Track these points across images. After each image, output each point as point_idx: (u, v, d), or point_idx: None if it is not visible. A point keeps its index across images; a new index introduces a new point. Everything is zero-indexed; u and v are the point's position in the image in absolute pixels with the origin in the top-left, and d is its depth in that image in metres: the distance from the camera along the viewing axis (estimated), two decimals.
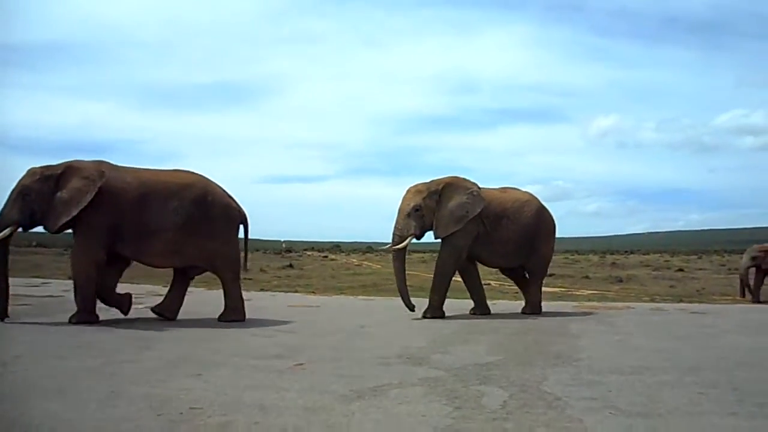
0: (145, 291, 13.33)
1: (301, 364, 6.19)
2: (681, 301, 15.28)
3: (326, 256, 52.17)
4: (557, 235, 12.02)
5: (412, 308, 10.47)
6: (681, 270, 32.31)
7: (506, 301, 14.73)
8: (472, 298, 11.23)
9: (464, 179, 10.94)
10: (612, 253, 75.05)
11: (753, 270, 16.60)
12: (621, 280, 23.16)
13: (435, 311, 10.49)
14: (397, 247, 10.50)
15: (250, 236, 10.21)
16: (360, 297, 15.37)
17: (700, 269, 35.60)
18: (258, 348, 7.19)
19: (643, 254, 76.97)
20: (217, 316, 9.67)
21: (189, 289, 12.73)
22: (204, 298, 12.92)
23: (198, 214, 9.05)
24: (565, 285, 22.25)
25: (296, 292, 16.41)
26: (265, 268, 27.26)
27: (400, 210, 10.61)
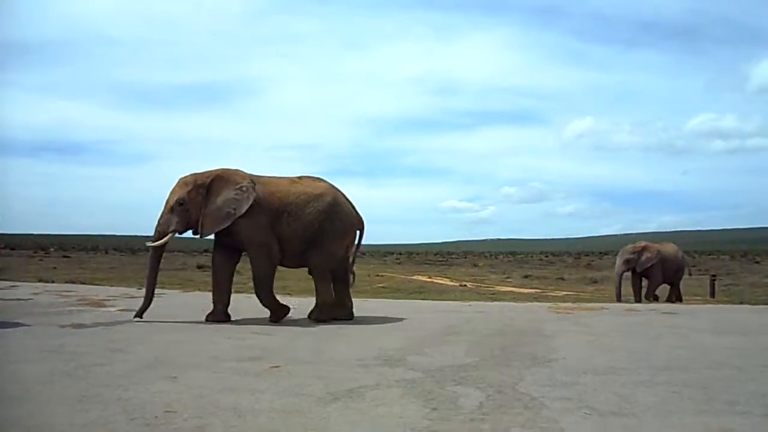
0: (120, 293, 13.18)
1: (277, 367, 6.14)
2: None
3: None
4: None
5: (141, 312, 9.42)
6: None
7: (482, 302, 14.80)
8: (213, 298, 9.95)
9: (236, 172, 9.90)
10: (587, 255, 75.97)
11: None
12: (596, 281, 23.51)
13: (276, 314, 9.86)
14: (155, 244, 9.56)
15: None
16: None
17: None
18: (234, 350, 7.12)
19: (617, 255, 77.85)
20: (193, 319, 9.59)
21: (164, 291, 12.59)
22: (180, 301, 12.78)
23: None
24: (540, 286, 22.48)
25: None
26: (240, 269, 27.05)
27: (165, 203, 9.64)
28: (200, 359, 6.51)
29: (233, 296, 10.15)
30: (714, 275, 19.30)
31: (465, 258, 72.11)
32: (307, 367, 6.17)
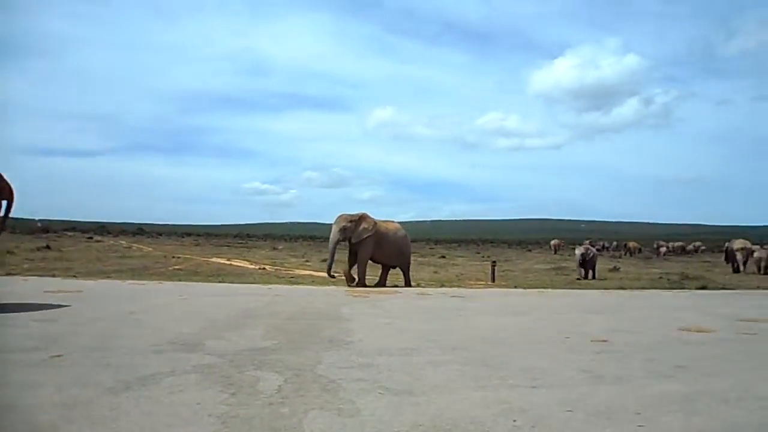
0: None
1: (60, 356, 5.66)
2: (443, 285, 16.62)
3: (91, 237, 48.27)
4: None
5: None
6: (443, 257, 35.25)
7: (281, 286, 14.85)
8: None
9: None
10: None
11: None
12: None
13: None
14: None
15: None
16: (129, 281, 14.45)
17: (460, 256, 39.15)
18: (8, 339, 6.44)
19: (411, 241, 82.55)
20: None
21: None
22: None
23: None
24: (338, 270, 23.00)
25: (54, 276, 14.91)
26: (15, 249, 24.34)
27: None
28: None
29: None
30: (494, 262, 21.04)
31: (265, 241, 71.67)
32: (94, 355, 5.76)
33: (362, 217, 15.62)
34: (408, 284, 16.28)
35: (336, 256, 15.79)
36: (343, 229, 15.32)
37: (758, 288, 17.69)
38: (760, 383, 5.38)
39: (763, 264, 24.45)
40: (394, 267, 16.51)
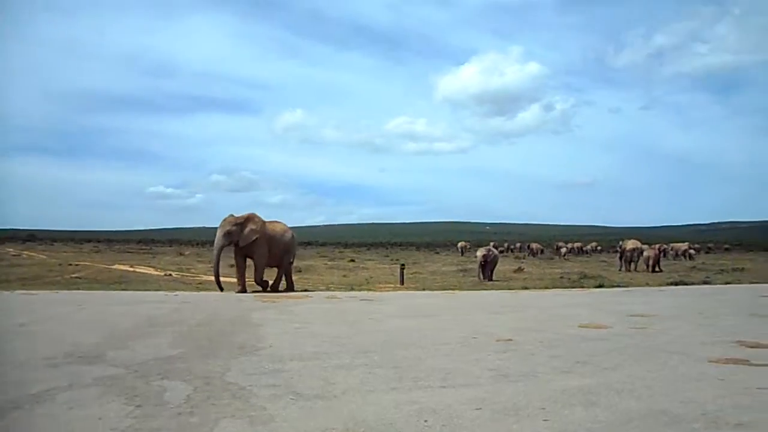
0: None
1: None
2: (352, 289, 16.65)
3: None
4: None
5: None
6: (353, 260, 35.31)
7: (189, 292, 14.45)
8: None
9: None
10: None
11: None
12: (300, 271, 24.36)
13: None
14: None
15: None
16: (19, 291, 13.59)
17: (369, 259, 39.36)
18: None
19: (321, 245, 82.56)
20: None
21: None
22: None
23: None
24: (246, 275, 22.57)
25: None
26: None
27: None
28: None
29: None
30: (403, 264, 21.31)
31: (171, 246, 69.42)
32: None
33: (249, 218, 14.86)
34: (291, 287, 15.84)
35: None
36: (227, 233, 14.46)
37: (647, 285, 18.85)
38: (649, 374, 5.72)
39: (651, 262, 26.42)
40: (278, 268, 15.80)
